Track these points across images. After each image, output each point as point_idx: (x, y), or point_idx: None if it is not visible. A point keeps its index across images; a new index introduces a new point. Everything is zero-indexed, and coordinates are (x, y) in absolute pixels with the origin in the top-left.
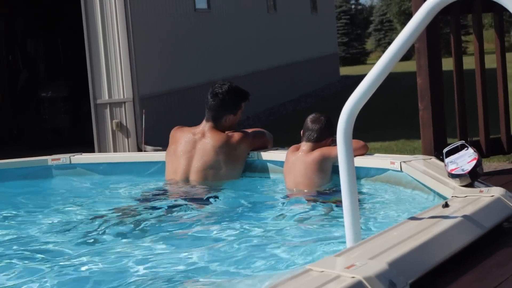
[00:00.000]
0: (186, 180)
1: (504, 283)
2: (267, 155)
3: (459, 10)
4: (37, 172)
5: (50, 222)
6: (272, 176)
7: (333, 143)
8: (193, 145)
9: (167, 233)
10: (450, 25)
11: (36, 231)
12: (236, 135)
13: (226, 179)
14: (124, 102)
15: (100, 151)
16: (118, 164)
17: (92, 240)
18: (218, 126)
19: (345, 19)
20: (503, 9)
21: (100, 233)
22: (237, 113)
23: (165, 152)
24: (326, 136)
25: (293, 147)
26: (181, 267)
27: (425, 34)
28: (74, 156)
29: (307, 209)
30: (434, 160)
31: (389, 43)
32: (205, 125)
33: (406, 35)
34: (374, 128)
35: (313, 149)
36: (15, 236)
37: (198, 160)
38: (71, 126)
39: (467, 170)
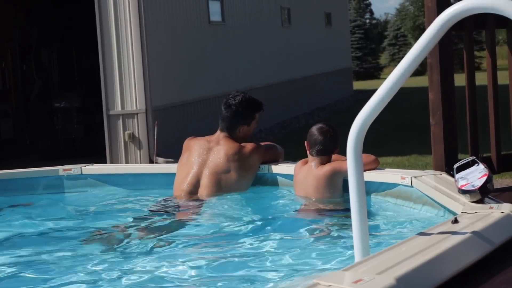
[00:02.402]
0: (197, 184)
1: None
2: (278, 168)
3: (473, 25)
4: (49, 182)
5: (60, 232)
6: (282, 189)
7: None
8: (207, 151)
9: (173, 247)
10: (463, 41)
11: (45, 241)
12: (249, 146)
13: (236, 187)
14: (137, 114)
15: (112, 162)
16: (129, 176)
17: (98, 252)
18: (232, 136)
19: (359, 34)
20: None
21: (107, 245)
22: (250, 123)
23: (176, 164)
24: (334, 147)
25: (301, 162)
26: (187, 281)
27: (438, 49)
28: (85, 166)
29: (316, 223)
30: (444, 175)
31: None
32: (219, 135)
33: (418, 50)
34: (386, 142)
35: (322, 161)
36: (24, 245)
37: (210, 164)
38: (84, 136)
39: (477, 186)
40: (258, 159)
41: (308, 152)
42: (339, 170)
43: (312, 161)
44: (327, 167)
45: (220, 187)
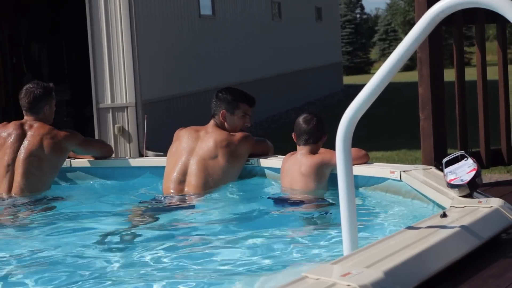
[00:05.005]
0: (185, 171)
1: None
2: (267, 162)
3: (462, 20)
4: None
5: (48, 225)
6: (271, 182)
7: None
8: (196, 140)
9: (161, 239)
10: (453, 36)
11: (33, 234)
12: (238, 135)
13: (224, 175)
14: (127, 107)
15: None
16: (118, 169)
17: (86, 245)
18: (218, 123)
19: (349, 28)
20: (506, 20)
21: (95, 239)
22: (234, 112)
23: (165, 158)
24: (321, 135)
25: (289, 154)
26: (173, 274)
27: (428, 44)
28: (74, 159)
29: (303, 216)
30: (433, 170)
31: None
32: (208, 124)
33: (408, 44)
34: (376, 137)
35: (311, 150)
36: (13, 239)
37: (199, 151)
38: (74, 129)
39: (466, 181)
40: (247, 148)
41: (296, 142)
42: (328, 161)
43: (300, 151)
44: (317, 157)
45: (207, 174)
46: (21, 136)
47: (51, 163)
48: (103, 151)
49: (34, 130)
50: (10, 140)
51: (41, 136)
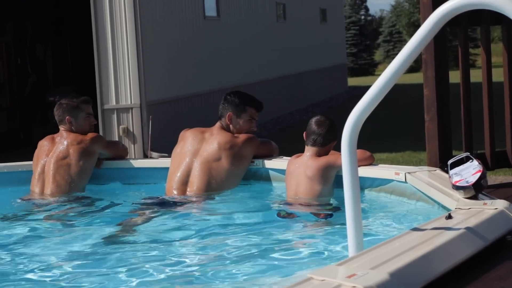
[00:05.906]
0: (189, 173)
1: None
2: (272, 164)
3: (467, 22)
4: None
5: (53, 226)
6: (275, 184)
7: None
8: (201, 142)
9: (162, 241)
10: (458, 37)
11: (37, 236)
12: (243, 136)
13: (227, 177)
14: (131, 108)
15: None
16: (123, 170)
17: (92, 246)
18: (224, 125)
19: (354, 30)
20: (511, 22)
21: (97, 240)
22: (241, 115)
23: (170, 159)
24: (331, 139)
25: (295, 155)
26: (178, 277)
27: (433, 46)
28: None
29: (308, 217)
30: (439, 171)
31: None
32: (214, 126)
33: (413, 46)
34: (381, 139)
35: (318, 153)
36: (15, 240)
37: (203, 153)
38: None
39: (471, 182)
40: (251, 150)
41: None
42: (334, 163)
43: (307, 152)
44: (322, 160)
45: (211, 176)
46: (52, 146)
47: (80, 167)
48: (123, 153)
49: (62, 138)
50: (43, 150)
51: (68, 143)
